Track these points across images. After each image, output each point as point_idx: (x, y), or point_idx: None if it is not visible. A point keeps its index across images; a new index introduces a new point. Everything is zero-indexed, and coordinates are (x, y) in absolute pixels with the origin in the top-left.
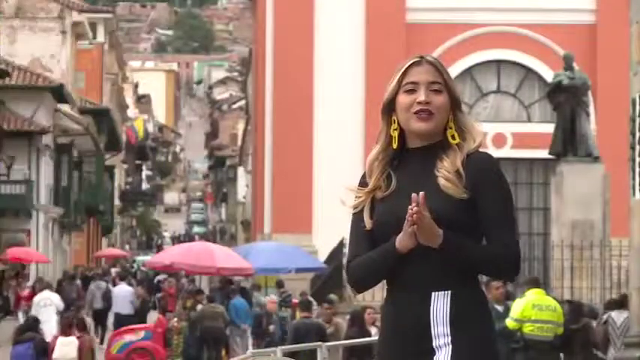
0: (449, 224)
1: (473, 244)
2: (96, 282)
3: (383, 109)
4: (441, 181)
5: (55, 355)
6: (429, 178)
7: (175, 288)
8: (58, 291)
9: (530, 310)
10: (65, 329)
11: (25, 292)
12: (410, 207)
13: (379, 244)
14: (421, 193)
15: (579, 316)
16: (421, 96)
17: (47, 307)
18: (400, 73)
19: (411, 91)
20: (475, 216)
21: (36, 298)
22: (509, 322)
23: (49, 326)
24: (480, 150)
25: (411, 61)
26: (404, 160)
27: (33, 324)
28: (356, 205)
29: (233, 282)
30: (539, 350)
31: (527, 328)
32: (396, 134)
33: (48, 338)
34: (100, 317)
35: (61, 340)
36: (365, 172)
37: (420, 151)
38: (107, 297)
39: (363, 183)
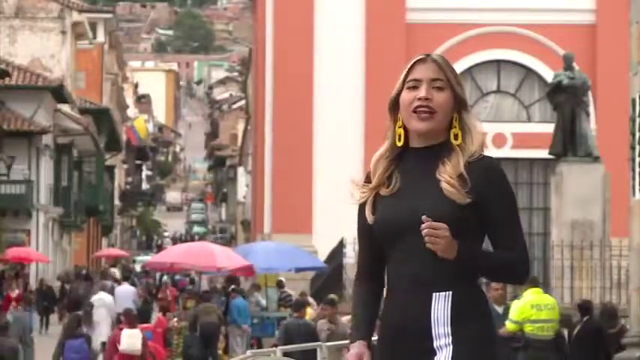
0: (450, 226)
1: (485, 253)
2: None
3: (389, 107)
4: (444, 186)
5: (121, 346)
6: (431, 180)
7: (170, 288)
8: (67, 289)
9: (530, 311)
10: (130, 322)
11: (15, 293)
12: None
13: (380, 241)
14: (424, 218)
15: (615, 319)
16: (422, 92)
17: (99, 307)
18: (405, 70)
19: (414, 88)
20: (476, 218)
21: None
22: (509, 325)
23: (103, 326)
24: (485, 155)
25: (416, 59)
26: (406, 159)
27: (80, 321)
28: (359, 198)
29: (239, 282)
30: (537, 349)
31: (528, 328)
32: (401, 131)
33: (103, 338)
34: None
35: (126, 332)
36: (370, 170)
37: (422, 151)
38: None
39: (367, 180)
